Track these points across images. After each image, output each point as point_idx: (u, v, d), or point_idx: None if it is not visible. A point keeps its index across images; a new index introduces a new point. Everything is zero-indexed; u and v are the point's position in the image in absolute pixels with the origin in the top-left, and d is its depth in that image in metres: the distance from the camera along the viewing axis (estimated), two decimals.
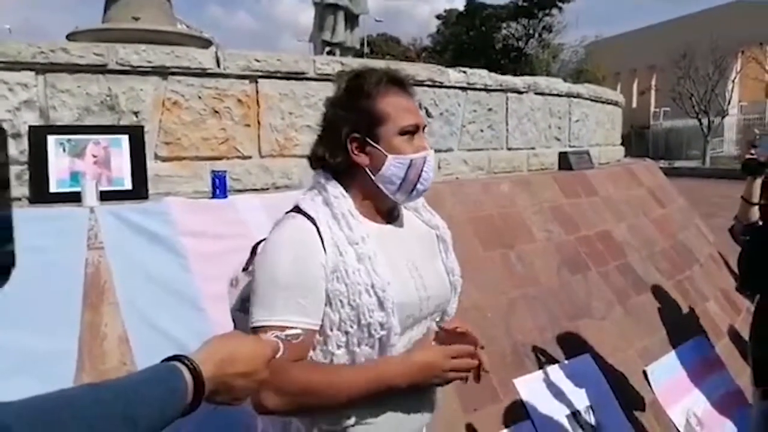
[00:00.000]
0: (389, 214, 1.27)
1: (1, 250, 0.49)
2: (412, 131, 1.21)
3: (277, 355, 0.98)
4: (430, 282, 1.26)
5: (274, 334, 1.04)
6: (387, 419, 1.19)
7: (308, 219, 1.16)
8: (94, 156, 2.49)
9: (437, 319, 1.33)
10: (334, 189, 1.21)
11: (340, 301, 1.12)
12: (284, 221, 1.20)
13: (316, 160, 1.26)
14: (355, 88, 1.21)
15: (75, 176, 2.42)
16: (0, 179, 0.49)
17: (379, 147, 1.19)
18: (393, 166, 1.19)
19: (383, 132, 1.19)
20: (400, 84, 1.24)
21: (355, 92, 1.20)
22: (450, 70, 3.90)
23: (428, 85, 3.71)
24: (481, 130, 4.14)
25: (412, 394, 1.20)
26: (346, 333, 1.14)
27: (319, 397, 1.11)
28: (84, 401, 0.68)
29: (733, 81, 26.63)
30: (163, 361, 0.82)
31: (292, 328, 1.07)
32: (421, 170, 1.21)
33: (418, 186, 1.22)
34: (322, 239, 1.14)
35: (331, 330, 1.14)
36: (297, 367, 1.10)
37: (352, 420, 1.16)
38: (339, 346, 1.14)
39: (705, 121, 26.18)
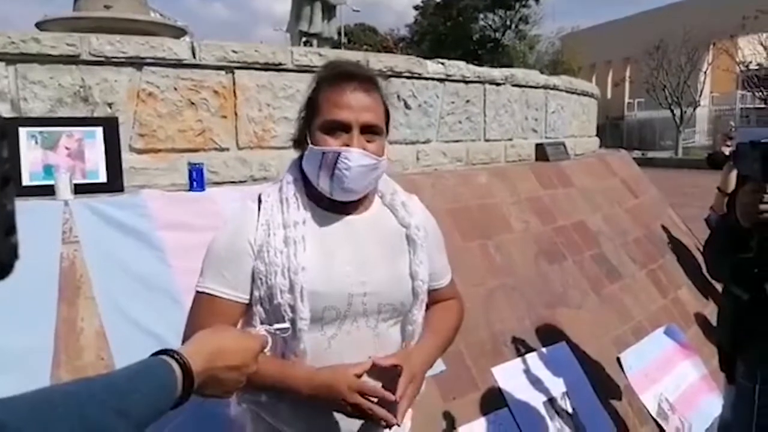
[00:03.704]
0: (346, 204, 1.24)
1: (6, 245, 0.49)
2: (337, 128, 1.16)
3: (266, 349, 1.01)
4: (376, 279, 1.22)
5: (264, 328, 1.11)
6: (298, 414, 1.21)
7: (258, 202, 1.24)
8: (68, 148, 2.44)
9: (392, 323, 1.27)
10: (288, 175, 1.27)
11: (260, 279, 1.18)
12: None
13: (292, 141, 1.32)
14: (315, 77, 1.25)
15: (48, 169, 2.37)
16: (4, 175, 0.49)
17: (307, 137, 1.21)
18: (308, 157, 1.21)
19: (315, 123, 1.20)
20: (355, 79, 1.19)
21: (313, 81, 1.25)
22: (428, 62, 3.90)
23: (407, 77, 3.71)
24: (460, 122, 4.16)
25: (329, 410, 1.19)
26: (266, 311, 1.20)
27: None
28: (78, 396, 0.69)
29: (705, 72, 27.13)
30: (152, 355, 0.83)
31: (218, 297, 1.18)
32: (334, 166, 1.15)
33: (333, 184, 1.17)
34: (258, 219, 1.21)
35: (255, 306, 1.20)
36: None
37: (265, 397, 1.22)
38: (261, 322, 1.19)
39: (678, 112, 26.67)
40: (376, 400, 1.14)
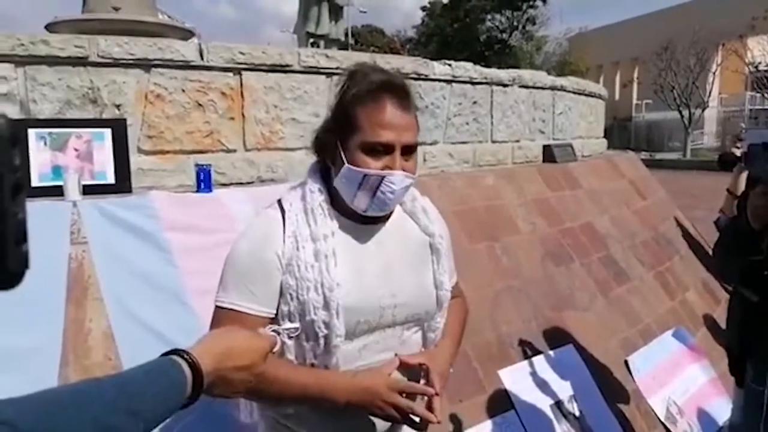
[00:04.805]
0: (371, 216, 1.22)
1: (16, 253, 0.49)
2: (380, 150, 1.13)
3: (274, 349, 1.01)
4: (404, 290, 1.22)
5: (272, 328, 1.09)
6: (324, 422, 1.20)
7: (281, 211, 1.19)
8: (76, 150, 2.46)
9: (415, 330, 1.29)
10: (313, 184, 1.22)
11: (290, 294, 1.14)
12: (259, 213, 1.25)
13: (313, 147, 1.27)
14: (344, 87, 1.19)
15: (57, 170, 2.38)
16: (16, 183, 0.48)
17: (342, 153, 1.16)
18: (345, 177, 1.15)
19: (352, 140, 1.14)
20: (393, 93, 1.14)
21: (342, 92, 1.19)
22: (435, 63, 3.90)
23: (413, 78, 3.70)
24: (467, 123, 4.15)
25: (359, 414, 1.18)
26: None
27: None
28: (88, 396, 0.69)
29: (714, 73, 26.95)
30: (162, 355, 0.84)
31: (244, 312, 1.13)
32: (376, 189, 1.13)
33: (373, 205, 1.16)
34: (285, 231, 1.16)
35: (283, 320, 1.16)
36: None
37: (292, 409, 1.20)
38: (290, 337, 1.16)
39: (686, 114, 26.50)
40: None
